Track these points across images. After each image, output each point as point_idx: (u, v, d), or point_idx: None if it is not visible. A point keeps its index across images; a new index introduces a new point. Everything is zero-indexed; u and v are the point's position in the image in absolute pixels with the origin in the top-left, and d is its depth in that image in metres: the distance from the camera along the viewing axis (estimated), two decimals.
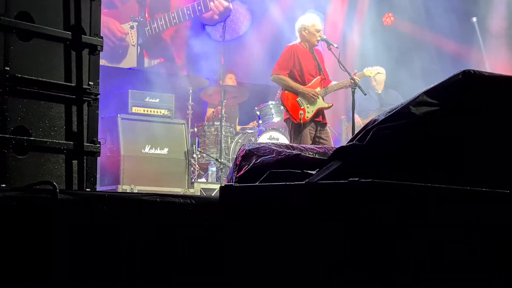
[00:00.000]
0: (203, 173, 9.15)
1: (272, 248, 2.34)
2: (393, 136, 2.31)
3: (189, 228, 2.67)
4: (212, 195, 7.56)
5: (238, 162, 3.16)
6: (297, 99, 7.22)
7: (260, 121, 9.32)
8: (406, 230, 2.02)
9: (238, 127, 10.08)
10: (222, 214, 2.59)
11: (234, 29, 11.36)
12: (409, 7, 11.11)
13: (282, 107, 7.66)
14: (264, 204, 2.41)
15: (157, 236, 2.60)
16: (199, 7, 10.66)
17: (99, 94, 3.62)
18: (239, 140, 9.22)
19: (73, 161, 3.47)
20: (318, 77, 7.36)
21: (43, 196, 2.42)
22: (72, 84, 3.51)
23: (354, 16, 11.60)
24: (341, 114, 10.03)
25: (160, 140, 8.10)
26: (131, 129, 7.98)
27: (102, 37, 3.65)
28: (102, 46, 3.64)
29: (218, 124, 9.05)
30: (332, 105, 7.43)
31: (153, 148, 8.05)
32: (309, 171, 2.49)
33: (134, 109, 8.21)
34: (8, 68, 3.23)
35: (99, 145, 3.59)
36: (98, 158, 3.62)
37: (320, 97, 7.28)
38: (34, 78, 3.34)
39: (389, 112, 2.41)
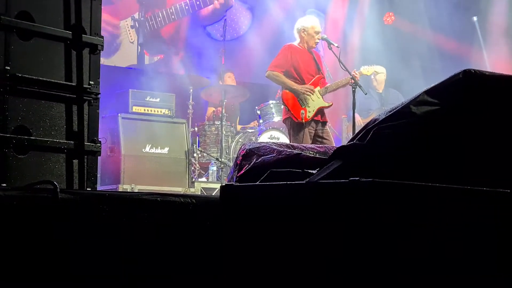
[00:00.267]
0: (204, 173, 9.15)
1: (272, 247, 2.34)
2: (394, 136, 2.31)
3: (189, 228, 2.67)
4: (213, 194, 7.56)
5: (238, 162, 3.16)
6: (298, 99, 7.22)
7: (261, 121, 9.32)
8: (407, 229, 2.02)
9: (239, 127, 10.08)
10: (222, 214, 2.59)
11: (235, 28, 11.36)
12: (410, 7, 11.11)
13: (282, 106, 7.66)
14: (265, 203, 2.41)
15: (157, 236, 2.60)
16: (198, 2, 10.65)
17: (99, 93, 3.62)
18: (240, 140, 9.22)
19: (73, 161, 3.47)
20: (317, 76, 7.36)
21: (43, 195, 2.42)
22: (73, 84, 3.51)
23: (354, 15, 11.60)
24: (342, 114, 10.03)
25: (161, 140, 8.10)
26: (131, 128, 7.98)
27: (102, 37, 3.65)
28: (102, 46, 3.64)
29: (218, 123, 9.05)
30: (332, 104, 7.43)
31: (154, 148, 8.05)
32: (309, 171, 2.49)
33: (135, 109, 8.21)
34: (8, 68, 3.23)
35: (99, 145, 3.59)
36: (98, 157, 3.62)
37: (320, 96, 7.29)
38: (34, 77, 3.34)
39: (390, 111, 2.41)
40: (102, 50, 3.64)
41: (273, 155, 2.99)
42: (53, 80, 3.43)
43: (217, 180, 8.67)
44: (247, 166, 3.04)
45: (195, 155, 8.87)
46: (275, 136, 8.92)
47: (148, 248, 2.57)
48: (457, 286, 2.10)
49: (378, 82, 9.91)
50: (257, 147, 3.14)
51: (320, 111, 7.30)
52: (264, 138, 8.83)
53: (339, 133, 10.05)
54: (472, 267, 2.13)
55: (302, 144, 3.40)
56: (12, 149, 3.22)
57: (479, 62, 9.75)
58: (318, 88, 7.33)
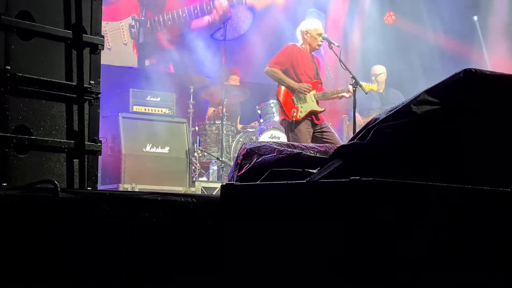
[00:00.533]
0: (204, 172, 9.15)
1: (273, 246, 2.34)
2: (394, 135, 2.31)
3: (190, 227, 2.68)
4: (213, 193, 7.57)
5: (239, 161, 3.16)
6: (292, 97, 7.22)
7: (261, 120, 9.33)
8: (407, 228, 2.02)
9: (239, 126, 10.08)
10: (223, 213, 2.59)
11: (235, 28, 11.35)
12: (410, 6, 11.10)
13: (276, 101, 7.67)
14: (265, 202, 2.41)
15: (158, 235, 2.60)
16: (195, 11, 10.66)
17: (100, 93, 3.62)
18: (240, 139, 9.22)
19: (74, 160, 3.47)
20: (315, 80, 7.38)
21: (44, 195, 2.42)
22: (73, 83, 3.51)
23: (355, 14, 11.59)
24: (342, 113, 10.02)
25: (161, 139, 8.10)
26: (132, 128, 7.98)
27: (103, 36, 3.65)
28: (103, 45, 3.64)
29: (219, 122, 9.05)
30: (324, 110, 7.41)
31: (154, 147, 8.05)
32: (310, 170, 2.49)
33: (135, 108, 8.21)
34: (9, 67, 3.23)
35: (100, 144, 3.59)
36: (99, 157, 3.62)
37: (314, 100, 7.28)
38: (35, 77, 3.34)
39: (390, 110, 2.41)
40: (103, 49, 3.65)
41: (273, 154, 2.99)
42: (53, 80, 3.43)
43: (217, 179, 8.68)
44: (248, 166, 3.04)
45: (195, 154, 8.88)
46: (276, 135, 8.93)
47: (149, 248, 2.57)
48: (457, 285, 2.10)
49: (378, 82, 9.90)
50: (257, 146, 3.14)
51: (313, 113, 7.29)
52: (265, 138, 8.83)
53: (340, 133, 10.05)
54: (472, 266, 2.13)
55: (303, 144, 3.40)
56: (12, 149, 3.22)
57: (480, 62, 9.74)
58: (314, 92, 7.33)
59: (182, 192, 7.69)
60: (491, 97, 2.36)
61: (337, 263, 2.09)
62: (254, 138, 9.12)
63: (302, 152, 2.97)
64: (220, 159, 8.62)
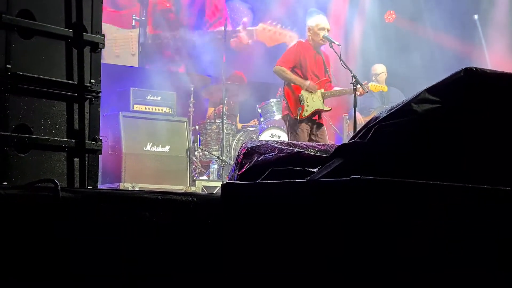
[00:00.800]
0: (205, 171, 9.15)
1: (273, 246, 2.34)
2: (395, 134, 2.31)
3: (190, 226, 2.67)
4: (214, 192, 7.57)
5: (239, 160, 3.16)
6: (299, 95, 7.24)
7: (262, 119, 9.33)
8: (408, 227, 2.02)
9: (240, 125, 10.09)
10: (223, 212, 2.59)
11: (236, 27, 11.35)
12: (411, 5, 11.09)
13: (282, 100, 7.69)
14: (266, 201, 2.41)
15: (158, 234, 2.60)
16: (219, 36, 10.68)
17: (100, 92, 3.62)
18: (241, 138, 9.22)
19: (74, 159, 3.47)
20: (323, 78, 7.41)
21: (44, 194, 2.42)
22: (74, 82, 3.51)
23: (355, 13, 11.59)
24: (343, 112, 10.02)
25: (162, 138, 8.10)
26: (132, 126, 7.99)
27: (103, 35, 3.64)
28: (103, 44, 3.64)
29: (219, 121, 9.05)
30: (331, 109, 7.48)
31: (155, 146, 8.05)
32: (310, 169, 2.49)
33: (136, 107, 8.21)
34: (9, 66, 3.23)
35: (100, 143, 3.59)
36: (99, 156, 3.62)
37: (321, 99, 7.32)
38: (35, 76, 3.34)
39: (391, 109, 2.41)
40: (103, 48, 3.64)
41: (274, 153, 2.99)
42: (54, 79, 3.43)
43: (218, 178, 8.68)
44: (248, 165, 3.04)
45: (196, 153, 8.88)
46: (276, 134, 8.93)
47: (149, 247, 2.57)
48: (458, 285, 2.10)
49: (379, 81, 9.89)
50: (258, 145, 3.14)
51: (318, 112, 7.33)
52: (265, 137, 8.83)
53: (340, 132, 10.05)
54: (473, 266, 2.13)
55: (303, 143, 3.40)
56: (13, 148, 3.22)
57: (480, 60, 9.74)
58: (322, 90, 7.36)
59: (183, 191, 7.68)
60: (491, 95, 2.36)
61: (338, 262, 2.09)
62: (254, 137, 9.12)
63: (302, 151, 2.97)
64: (221, 158, 8.62)
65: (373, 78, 9.58)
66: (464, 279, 2.11)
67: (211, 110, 10.13)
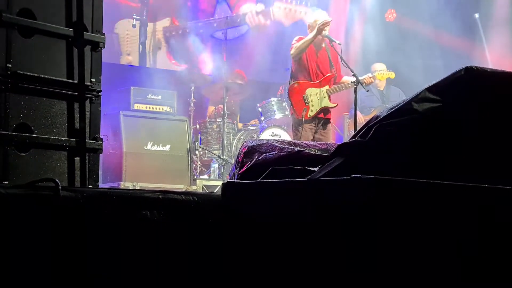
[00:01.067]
0: (205, 170, 9.15)
1: (274, 245, 2.34)
2: (395, 133, 2.31)
3: (191, 225, 2.67)
4: (215, 191, 7.56)
5: (240, 159, 3.16)
6: (304, 95, 7.24)
7: (262, 118, 9.33)
8: (408, 226, 2.02)
9: (240, 124, 10.09)
10: (224, 211, 2.59)
11: (236, 27, 11.34)
12: (412, 3, 11.09)
13: (288, 101, 7.67)
14: (266, 201, 2.41)
15: (159, 233, 2.60)
16: (238, 20, 10.69)
17: (101, 91, 3.62)
18: (241, 137, 9.22)
19: (75, 158, 3.47)
20: (328, 74, 7.38)
21: (45, 193, 2.42)
22: (74, 81, 3.51)
23: (356, 12, 11.59)
24: (343, 111, 10.01)
25: (162, 137, 8.10)
26: (133, 126, 7.99)
27: (104, 34, 3.64)
28: (104, 43, 3.64)
29: (220, 120, 9.04)
30: (337, 105, 7.46)
31: (155, 145, 8.05)
32: (311, 168, 2.49)
33: (136, 106, 8.21)
34: (10, 65, 3.23)
35: (101, 142, 3.59)
36: (100, 155, 3.62)
37: (327, 95, 7.31)
38: (36, 75, 3.34)
39: (392, 108, 2.40)
40: (104, 47, 3.64)
41: (274, 152, 2.99)
42: (54, 78, 3.43)
43: (218, 177, 8.68)
44: (249, 164, 3.04)
45: (196, 152, 8.88)
46: (277, 133, 8.92)
47: (150, 246, 2.57)
48: (458, 284, 2.10)
49: (379, 80, 9.88)
50: (258, 144, 3.14)
51: (324, 110, 7.32)
52: (266, 136, 8.83)
53: (341, 131, 10.05)
54: (473, 265, 2.13)
55: (304, 142, 3.39)
56: (13, 147, 3.22)
57: (481, 59, 9.73)
58: (327, 87, 7.35)
59: (183, 190, 7.69)
60: (492, 94, 2.36)
61: (339, 261, 2.09)
62: (255, 136, 9.12)
63: (303, 150, 2.97)
64: (221, 157, 8.62)
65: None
66: (464, 279, 2.11)
67: (211, 109, 10.13)
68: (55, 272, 2.36)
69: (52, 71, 3.44)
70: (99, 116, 3.62)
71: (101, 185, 5.52)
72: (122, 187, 7.51)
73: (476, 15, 10.02)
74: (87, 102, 3.55)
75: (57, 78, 3.44)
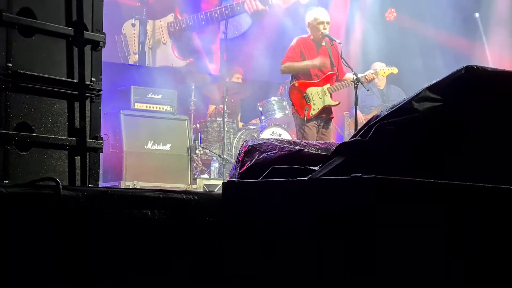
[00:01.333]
0: (206, 169, 9.16)
1: (274, 244, 2.34)
2: (396, 132, 2.31)
3: (192, 224, 2.68)
4: (215, 191, 7.57)
5: (240, 158, 3.16)
6: (304, 95, 7.22)
7: (263, 117, 9.33)
8: (409, 226, 2.02)
9: (240, 124, 10.09)
10: (224, 210, 2.59)
11: (236, 26, 11.34)
12: (412, 3, 11.09)
13: (289, 101, 7.66)
14: (267, 200, 2.41)
15: (159, 232, 2.60)
16: (226, 12, 10.68)
17: (101, 90, 3.62)
18: (242, 136, 9.22)
19: (75, 157, 3.47)
20: (329, 72, 7.36)
21: (46, 192, 2.42)
22: (75, 80, 3.51)
23: (356, 11, 11.59)
24: (344, 110, 10.02)
25: (163, 136, 8.11)
26: (133, 125, 7.99)
27: (104, 33, 3.64)
28: (104, 42, 3.64)
29: (220, 120, 9.05)
30: (340, 103, 7.45)
31: (156, 144, 8.05)
32: (311, 167, 2.49)
33: (137, 105, 8.22)
34: (10, 64, 3.23)
35: (101, 141, 3.59)
36: (100, 154, 3.62)
37: (329, 94, 7.30)
38: (36, 74, 3.34)
39: (392, 107, 2.40)
40: (104, 46, 3.64)
41: (275, 151, 2.99)
42: (55, 77, 3.43)
43: (219, 176, 8.68)
44: (249, 163, 3.04)
45: (197, 151, 8.88)
46: (277, 132, 8.93)
47: (150, 245, 2.57)
48: (460, 284, 2.10)
49: (379, 79, 9.88)
50: (259, 143, 3.14)
51: (326, 109, 7.30)
52: (266, 135, 8.83)
53: (341, 130, 10.05)
54: (475, 265, 2.13)
55: (304, 141, 3.39)
56: (14, 146, 3.22)
57: (481, 58, 9.73)
58: (328, 85, 7.33)
59: (184, 189, 7.69)
60: (492, 94, 2.35)
61: (339, 261, 2.09)
62: (255, 135, 9.12)
63: (303, 149, 2.97)
64: (222, 156, 8.62)
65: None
66: (465, 279, 2.11)
67: (212, 108, 10.13)
68: (55, 271, 2.36)
69: (52, 70, 3.44)
70: (100, 115, 3.62)
71: (101, 184, 5.52)
72: (122, 186, 7.52)
73: (477, 15, 10.02)
74: (88, 101, 3.55)
75: (58, 77, 3.45)
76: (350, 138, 2.52)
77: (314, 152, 2.97)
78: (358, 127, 6.16)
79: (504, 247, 2.18)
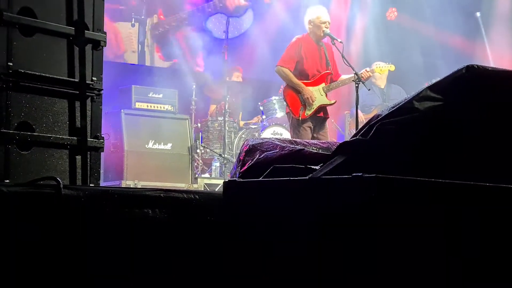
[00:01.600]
0: (207, 168, 9.16)
1: (275, 243, 2.34)
2: (397, 131, 2.31)
3: (192, 223, 2.68)
4: (216, 190, 7.57)
5: (241, 157, 3.16)
6: (299, 94, 7.19)
7: (264, 116, 9.33)
8: (410, 225, 2.02)
9: (241, 123, 10.09)
10: (225, 210, 2.59)
11: (236, 26, 11.34)
12: (413, 2, 11.10)
13: (284, 100, 7.64)
14: (268, 199, 2.41)
15: (160, 232, 2.60)
16: (220, 4, 10.67)
17: (102, 89, 3.61)
18: (243, 135, 9.23)
19: (76, 157, 3.47)
20: (324, 72, 7.33)
21: (47, 191, 2.42)
22: (76, 80, 3.51)
23: (357, 10, 11.59)
24: (345, 110, 10.02)
25: (164, 136, 8.11)
26: (134, 124, 8.00)
27: (105, 33, 3.64)
28: (105, 42, 3.64)
29: (221, 119, 9.05)
30: (335, 102, 7.41)
31: (157, 144, 8.06)
32: (312, 166, 2.49)
33: (138, 105, 8.22)
34: (11, 64, 3.23)
35: (102, 141, 3.59)
36: (101, 153, 3.62)
37: (324, 93, 7.26)
38: (37, 73, 3.34)
39: (393, 107, 2.40)
40: (105, 46, 3.64)
41: (276, 151, 2.99)
42: (55, 76, 3.43)
43: (220, 176, 8.69)
44: (250, 162, 3.04)
45: (198, 151, 8.89)
46: (278, 132, 8.93)
47: (151, 244, 2.57)
48: (460, 284, 2.10)
49: (376, 77, 9.87)
50: (260, 143, 3.14)
51: (322, 108, 7.27)
52: (267, 134, 8.84)
53: (342, 129, 10.05)
54: (475, 264, 2.13)
55: (305, 140, 3.40)
56: (15, 145, 3.22)
57: (482, 58, 9.73)
58: (323, 84, 7.29)
59: (185, 188, 7.70)
60: (493, 93, 2.35)
61: (340, 260, 2.09)
62: (256, 134, 9.13)
63: (304, 149, 2.97)
64: (223, 155, 8.63)
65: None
66: (465, 279, 2.11)
67: (213, 107, 10.14)
68: (56, 271, 2.36)
69: (53, 69, 3.44)
70: (100, 115, 3.62)
71: (102, 183, 5.52)
72: (123, 185, 7.52)
73: (478, 14, 10.02)
74: (88, 101, 3.55)
75: (58, 77, 3.44)
76: (351, 138, 2.52)
77: (315, 151, 2.97)
78: (359, 127, 6.17)
79: (505, 247, 2.18)
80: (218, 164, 8.84)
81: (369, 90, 7.40)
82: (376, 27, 11.23)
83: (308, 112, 7.14)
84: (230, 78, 9.79)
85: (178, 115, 8.45)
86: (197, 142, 8.96)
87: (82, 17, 3.54)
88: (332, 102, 7.32)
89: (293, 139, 3.34)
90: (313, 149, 3.03)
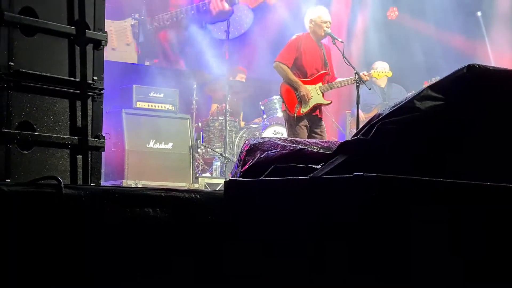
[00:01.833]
0: (208, 168, 9.16)
1: (276, 243, 2.34)
2: (398, 131, 2.31)
3: (193, 223, 2.68)
4: (217, 189, 7.57)
5: (242, 157, 3.16)
6: (296, 92, 7.18)
7: (265, 116, 9.33)
8: (411, 224, 2.02)
9: (242, 122, 10.09)
10: (226, 209, 2.59)
11: (236, 27, 11.34)
12: (414, 1, 11.09)
13: (280, 97, 7.63)
14: (269, 198, 2.41)
15: (161, 231, 2.60)
16: (204, 8, 10.67)
17: (103, 89, 3.62)
18: (244, 135, 9.23)
19: (77, 156, 3.48)
20: (322, 71, 7.32)
21: (47, 191, 2.42)
22: (77, 79, 3.51)
23: (358, 10, 11.59)
24: (345, 109, 10.02)
25: (165, 135, 8.12)
26: (135, 124, 8.00)
27: (106, 32, 3.64)
28: (106, 41, 3.64)
29: (222, 118, 9.05)
30: (331, 102, 7.40)
31: (158, 143, 8.06)
32: (313, 166, 2.49)
33: (139, 104, 8.22)
34: (12, 63, 3.23)
35: (103, 140, 3.59)
36: (102, 153, 3.62)
37: (320, 92, 7.25)
38: (38, 73, 3.34)
39: (394, 106, 2.40)
40: (106, 45, 3.64)
41: (277, 150, 2.99)
42: (56, 76, 3.43)
43: (221, 175, 8.69)
44: (251, 161, 3.04)
45: (199, 150, 8.89)
46: (279, 131, 8.93)
47: (152, 243, 2.57)
48: (462, 284, 2.10)
49: (373, 81, 9.85)
50: (261, 142, 3.14)
51: (317, 107, 7.26)
52: (268, 133, 8.84)
53: (343, 128, 10.04)
54: (477, 264, 2.13)
55: (306, 140, 3.39)
56: (16, 145, 3.22)
57: (483, 57, 9.72)
58: (320, 84, 7.28)
59: (186, 188, 7.70)
60: (494, 92, 2.35)
61: (341, 260, 2.09)
62: (257, 134, 9.13)
63: (305, 148, 2.97)
64: (224, 155, 8.63)
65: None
66: (466, 279, 2.11)
67: (214, 107, 10.14)
68: (56, 270, 2.37)
69: (54, 69, 3.44)
70: (101, 114, 3.62)
71: (103, 183, 5.53)
72: (124, 185, 7.52)
73: (479, 13, 10.01)
74: (89, 100, 3.56)
75: (59, 76, 3.45)
76: (352, 137, 2.52)
77: (316, 150, 2.97)
78: (360, 126, 6.16)
79: (507, 247, 2.18)
80: (219, 163, 8.84)
81: (369, 89, 7.40)
82: (377, 27, 11.22)
83: (304, 110, 7.11)
84: (234, 78, 9.79)
85: (179, 114, 8.45)
86: (198, 142, 8.96)
87: (83, 17, 3.55)
88: (328, 102, 7.31)
89: (294, 139, 3.34)
90: (314, 149, 3.03)
